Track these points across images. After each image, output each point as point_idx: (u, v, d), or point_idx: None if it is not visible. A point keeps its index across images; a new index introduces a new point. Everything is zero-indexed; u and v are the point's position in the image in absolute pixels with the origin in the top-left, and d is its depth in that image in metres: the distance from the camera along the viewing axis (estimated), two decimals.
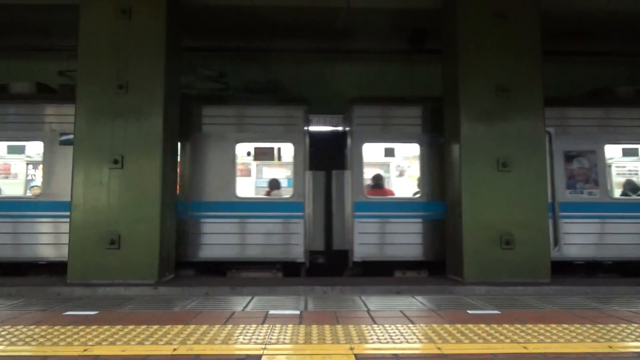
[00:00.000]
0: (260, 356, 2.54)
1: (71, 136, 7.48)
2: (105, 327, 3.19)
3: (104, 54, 7.05)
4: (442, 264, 7.80)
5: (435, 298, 4.85)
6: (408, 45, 9.85)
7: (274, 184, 8.92)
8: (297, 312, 3.79)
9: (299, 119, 8.25)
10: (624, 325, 3.28)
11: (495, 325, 3.26)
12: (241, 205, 8.09)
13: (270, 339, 2.89)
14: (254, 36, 9.77)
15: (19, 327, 3.21)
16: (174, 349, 2.67)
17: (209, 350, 2.67)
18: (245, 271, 8.00)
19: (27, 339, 2.88)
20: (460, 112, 7.24)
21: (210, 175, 8.10)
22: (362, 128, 8.29)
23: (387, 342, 2.81)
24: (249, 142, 8.39)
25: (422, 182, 8.33)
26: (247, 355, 2.56)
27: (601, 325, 3.27)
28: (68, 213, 7.02)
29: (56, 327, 3.19)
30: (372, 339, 2.89)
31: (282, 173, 9.67)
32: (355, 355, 2.56)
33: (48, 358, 2.53)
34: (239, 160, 8.46)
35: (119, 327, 3.20)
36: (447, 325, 3.26)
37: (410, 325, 3.27)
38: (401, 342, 2.82)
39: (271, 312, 3.79)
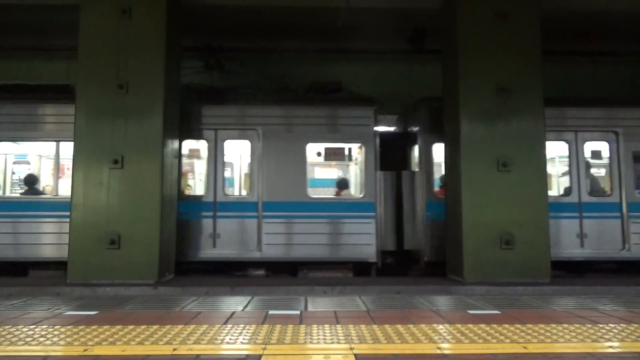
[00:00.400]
0: (260, 356, 2.54)
1: None
2: (105, 327, 3.19)
3: (104, 54, 7.05)
4: None
5: (435, 298, 4.84)
6: (408, 45, 9.86)
7: (343, 184, 8.92)
8: (297, 312, 3.79)
9: (369, 119, 8.30)
10: (624, 325, 3.28)
11: (495, 325, 3.26)
12: (313, 206, 8.12)
13: (270, 339, 2.89)
14: (254, 36, 9.78)
15: (19, 327, 3.21)
16: (174, 349, 2.67)
17: (209, 350, 2.67)
18: (316, 271, 8.03)
19: (27, 339, 2.88)
20: (460, 112, 7.24)
21: (281, 176, 8.15)
22: (431, 128, 8.32)
23: (387, 342, 2.81)
24: (320, 142, 8.46)
25: None
26: (247, 355, 2.56)
27: (601, 325, 3.27)
28: None
29: (56, 327, 3.19)
30: (372, 339, 2.89)
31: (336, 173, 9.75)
32: (355, 355, 2.55)
33: (48, 358, 2.53)
34: (309, 161, 8.50)
35: (119, 327, 3.20)
36: (447, 325, 3.25)
37: (410, 325, 3.27)
38: (401, 342, 2.82)
39: (271, 312, 3.78)
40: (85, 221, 6.81)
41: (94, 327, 3.19)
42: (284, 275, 8.03)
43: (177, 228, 7.75)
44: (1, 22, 9.20)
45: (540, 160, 7.24)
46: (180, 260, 7.83)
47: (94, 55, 7.07)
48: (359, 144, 8.38)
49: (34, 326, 3.23)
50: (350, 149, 8.63)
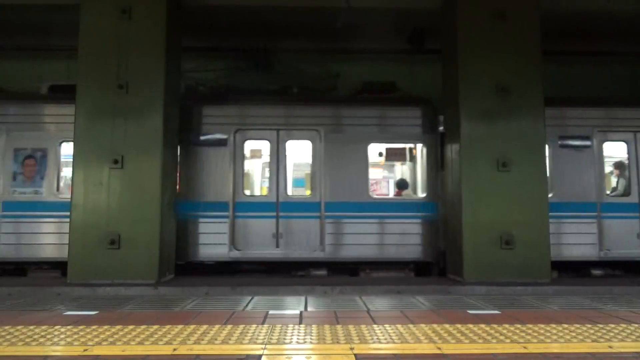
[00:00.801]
0: (260, 356, 2.54)
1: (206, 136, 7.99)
2: (105, 327, 3.19)
3: (104, 54, 7.05)
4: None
5: (435, 298, 4.85)
6: (408, 45, 9.86)
7: (403, 185, 8.93)
8: (297, 312, 3.79)
9: (431, 120, 8.32)
10: (624, 325, 3.28)
11: (495, 325, 3.26)
12: (375, 206, 8.14)
13: (270, 339, 2.89)
14: (254, 36, 9.78)
15: (19, 327, 3.21)
16: (174, 349, 2.67)
17: (209, 350, 2.67)
18: (377, 271, 8.04)
19: (27, 339, 2.88)
20: (460, 112, 7.23)
21: (343, 176, 8.17)
22: None
23: (387, 342, 2.81)
24: (381, 142, 8.49)
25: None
26: (247, 355, 2.56)
27: (601, 325, 3.27)
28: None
29: (56, 327, 3.19)
30: (372, 339, 2.89)
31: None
32: (355, 355, 2.56)
33: (48, 358, 2.53)
34: (371, 161, 8.51)
35: (119, 327, 3.20)
36: (447, 325, 3.25)
37: (410, 325, 3.27)
38: (401, 342, 2.82)
39: (271, 312, 3.79)
40: (86, 221, 6.81)
41: (94, 327, 3.19)
42: (344, 276, 8.06)
43: (239, 227, 7.89)
44: (1, 22, 9.20)
45: (540, 160, 7.24)
46: (241, 260, 7.93)
47: (94, 55, 7.07)
48: (420, 144, 8.41)
49: (34, 326, 3.23)
50: (411, 149, 8.67)
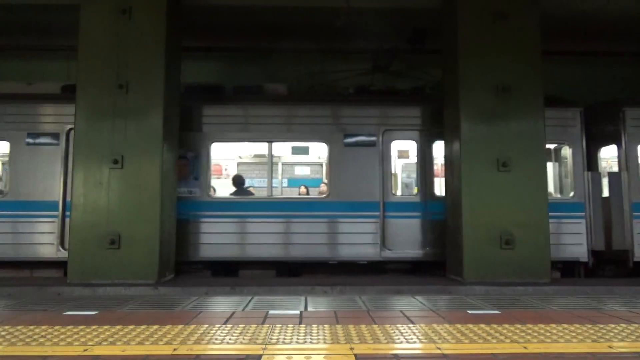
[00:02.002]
0: (260, 356, 2.54)
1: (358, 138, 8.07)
2: (105, 327, 3.19)
3: (104, 54, 7.05)
4: None
5: (435, 298, 4.84)
6: (408, 45, 9.86)
7: None
8: (297, 312, 3.79)
9: (576, 120, 8.33)
10: (624, 325, 3.28)
11: (495, 325, 3.26)
12: None
13: (270, 339, 2.89)
14: (254, 36, 9.78)
15: (19, 327, 3.21)
16: (174, 349, 2.67)
17: (209, 350, 2.67)
18: None
19: (27, 339, 2.88)
20: (460, 112, 7.23)
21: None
22: (636, 130, 8.32)
23: (387, 342, 2.81)
24: None
25: None
26: (247, 355, 2.56)
27: (601, 325, 3.27)
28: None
29: (56, 327, 3.19)
30: (372, 339, 2.89)
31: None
32: (355, 355, 2.55)
33: (48, 358, 2.53)
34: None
35: (119, 327, 3.20)
36: (447, 325, 3.25)
37: (410, 325, 3.27)
38: (401, 342, 2.82)
39: (271, 312, 3.78)
40: (85, 221, 6.81)
41: (94, 327, 3.19)
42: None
43: (389, 227, 7.97)
44: (1, 22, 9.20)
45: (540, 160, 7.24)
46: (392, 260, 7.99)
47: (94, 55, 7.07)
48: (566, 145, 8.41)
49: (34, 326, 3.23)
50: (555, 149, 8.68)
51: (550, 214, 7.47)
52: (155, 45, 7.12)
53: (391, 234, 8.09)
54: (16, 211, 7.83)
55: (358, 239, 8.04)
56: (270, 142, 8.30)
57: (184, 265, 7.98)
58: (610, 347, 2.73)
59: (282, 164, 10.82)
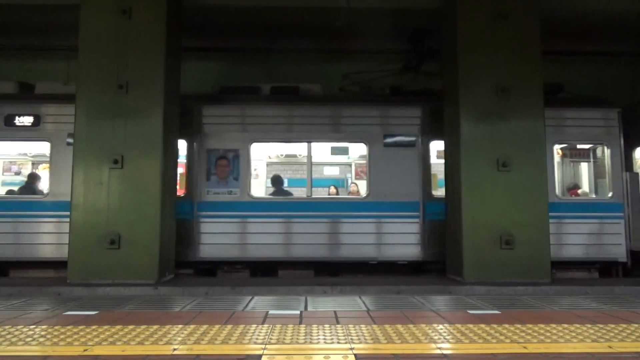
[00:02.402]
0: (260, 356, 2.54)
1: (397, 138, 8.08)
2: (105, 327, 3.19)
3: (104, 54, 7.05)
4: None
5: (435, 298, 4.84)
6: (408, 45, 9.85)
7: (574, 185, 8.97)
8: (297, 312, 3.79)
9: (614, 121, 8.34)
10: (624, 325, 3.28)
11: (495, 325, 3.26)
12: (559, 206, 8.14)
13: (270, 339, 2.89)
14: (254, 36, 9.78)
15: (19, 327, 3.21)
16: (174, 349, 2.67)
17: (209, 350, 2.67)
18: (561, 271, 8.05)
19: (27, 339, 2.88)
20: (460, 112, 7.23)
21: None
22: None
23: (387, 342, 2.81)
24: (564, 143, 8.60)
25: None
26: (247, 355, 2.56)
27: (601, 325, 3.27)
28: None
29: (56, 327, 3.19)
30: (372, 339, 2.89)
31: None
32: (355, 355, 2.56)
33: (48, 358, 2.53)
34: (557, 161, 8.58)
35: (119, 327, 3.20)
36: (447, 325, 3.26)
37: (410, 325, 3.27)
38: (401, 342, 2.82)
39: (271, 312, 3.79)
40: (85, 221, 6.81)
41: (94, 327, 3.19)
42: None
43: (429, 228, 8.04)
44: (1, 22, 9.19)
45: (540, 160, 7.23)
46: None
47: (94, 55, 7.06)
48: (603, 145, 8.41)
49: (34, 326, 3.23)
50: (592, 150, 8.72)
51: (588, 214, 7.58)
52: (155, 45, 7.11)
53: (432, 234, 8.10)
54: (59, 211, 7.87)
55: (399, 239, 8.07)
56: (309, 142, 8.34)
57: (224, 265, 8.06)
58: (610, 347, 2.74)
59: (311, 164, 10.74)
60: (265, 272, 8.19)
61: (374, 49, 10.23)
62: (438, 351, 2.65)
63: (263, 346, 2.72)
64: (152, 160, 6.94)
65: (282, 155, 10.47)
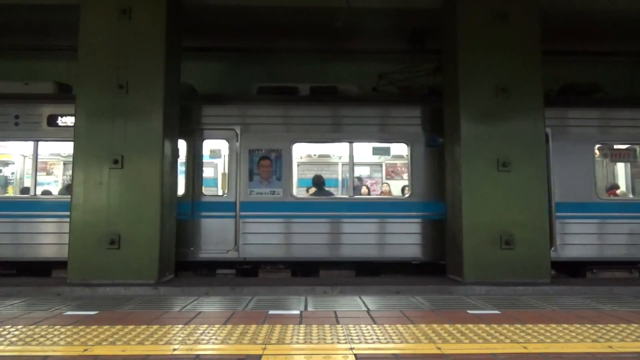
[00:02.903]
0: (260, 356, 2.54)
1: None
2: (105, 327, 3.19)
3: (104, 54, 7.05)
4: None
5: (435, 298, 4.85)
6: (408, 45, 9.85)
7: (613, 185, 8.98)
8: (297, 312, 3.79)
9: None
10: (624, 325, 3.28)
11: (495, 325, 3.26)
12: (602, 206, 8.14)
13: (270, 339, 2.89)
14: (254, 36, 9.77)
15: (19, 327, 3.21)
16: (174, 349, 2.67)
17: (209, 350, 2.67)
18: (606, 271, 8.04)
19: (27, 339, 2.88)
20: (460, 112, 7.23)
21: (571, 177, 8.15)
22: None
23: (387, 342, 2.81)
24: (609, 143, 8.59)
25: None
26: (247, 355, 2.56)
27: (601, 325, 3.27)
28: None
29: (56, 327, 3.19)
30: (372, 339, 2.89)
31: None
32: (355, 355, 2.56)
33: (48, 358, 2.53)
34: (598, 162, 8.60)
35: (119, 327, 3.20)
36: (447, 325, 3.26)
37: (410, 325, 3.27)
38: (401, 342, 2.82)
39: (271, 312, 3.79)
40: (85, 221, 6.81)
41: (94, 327, 3.19)
42: (564, 275, 8.14)
43: None
44: (1, 22, 9.19)
45: (540, 160, 7.24)
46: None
47: (94, 55, 7.06)
48: None
49: (34, 326, 3.23)
50: (630, 150, 8.71)
51: (628, 214, 7.64)
52: (155, 45, 7.11)
53: None
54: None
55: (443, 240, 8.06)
56: (351, 142, 8.35)
57: (266, 265, 8.09)
58: (610, 347, 2.74)
59: (342, 164, 10.64)
60: (306, 272, 8.23)
61: (374, 49, 10.22)
62: (438, 351, 2.65)
63: (263, 346, 2.72)
64: (152, 160, 6.93)
65: (315, 155, 10.52)
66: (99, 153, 6.88)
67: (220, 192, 8.90)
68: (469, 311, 3.85)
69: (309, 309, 4.08)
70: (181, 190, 8.06)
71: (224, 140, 8.28)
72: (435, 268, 8.14)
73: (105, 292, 6.42)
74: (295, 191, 8.40)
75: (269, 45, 10.12)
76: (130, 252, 6.77)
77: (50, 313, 3.77)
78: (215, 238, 7.96)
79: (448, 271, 7.68)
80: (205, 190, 8.46)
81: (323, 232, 8.07)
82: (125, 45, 7.05)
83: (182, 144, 8.05)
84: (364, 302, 4.37)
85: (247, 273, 8.15)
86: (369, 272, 8.21)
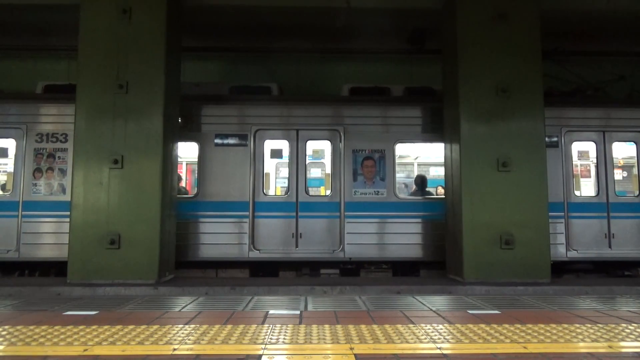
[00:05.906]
0: (260, 356, 2.54)
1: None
2: (105, 327, 3.19)
3: (104, 54, 7.05)
4: None
5: (435, 298, 4.85)
6: (408, 45, 9.85)
7: None
8: (297, 312, 3.79)
9: None
10: (624, 325, 3.28)
11: (495, 325, 3.26)
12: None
13: (270, 339, 2.89)
14: (254, 36, 9.78)
15: (19, 327, 3.21)
16: (174, 349, 2.67)
17: (209, 350, 2.67)
18: None
19: (27, 339, 2.88)
20: (460, 112, 7.23)
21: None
22: None
23: (387, 342, 2.81)
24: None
25: None
26: (247, 355, 2.56)
27: (601, 325, 3.27)
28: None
29: (56, 327, 3.19)
30: (372, 339, 2.89)
31: None
32: (355, 355, 2.55)
33: (48, 358, 2.53)
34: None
35: (119, 327, 3.20)
36: (447, 325, 3.26)
37: (410, 325, 3.27)
38: (401, 342, 2.82)
39: (271, 312, 3.79)
40: (85, 221, 6.81)
41: (94, 327, 3.19)
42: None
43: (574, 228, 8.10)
44: (1, 22, 9.19)
45: (540, 160, 7.23)
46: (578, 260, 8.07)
47: (94, 55, 7.06)
48: None
49: (34, 326, 3.23)
50: None
51: None
52: (155, 45, 7.11)
53: (575, 233, 8.14)
54: (210, 212, 8.07)
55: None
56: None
57: (370, 265, 8.18)
58: (610, 347, 2.74)
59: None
60: (405, 272, 8.29)
61: (374, 49, 10.23)
62: (438, 351, 2.65)
63: (263, 346, 2.72)
64: (152, 160, 6.93)
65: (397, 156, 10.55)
66: (99, 153, 6.88)
67: (325, 192, 8.90)
68: (469, 311, 3.85)
69: (309, 309, 4.08)
70: (283, 189, 8.21)
71: (327, 141, 8.33)
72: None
73: (105, 292, 6.42)
74: (397, 191, 8.40)
75: (269, 45, 10.12)
76: (130, 252, 6.77)
77: (50, 313, 3.77)
78: (318, 238, 8.03)
79: (448, 271, 7.68)
80: (310, 190, 8.57)
81: (423, 233, 8.14)
82: (125, 45, 7.05)
83: (284, 144, 8.18)
84: (364, 302, 4.37)
85: (348, 273, 8.20)
86: None
